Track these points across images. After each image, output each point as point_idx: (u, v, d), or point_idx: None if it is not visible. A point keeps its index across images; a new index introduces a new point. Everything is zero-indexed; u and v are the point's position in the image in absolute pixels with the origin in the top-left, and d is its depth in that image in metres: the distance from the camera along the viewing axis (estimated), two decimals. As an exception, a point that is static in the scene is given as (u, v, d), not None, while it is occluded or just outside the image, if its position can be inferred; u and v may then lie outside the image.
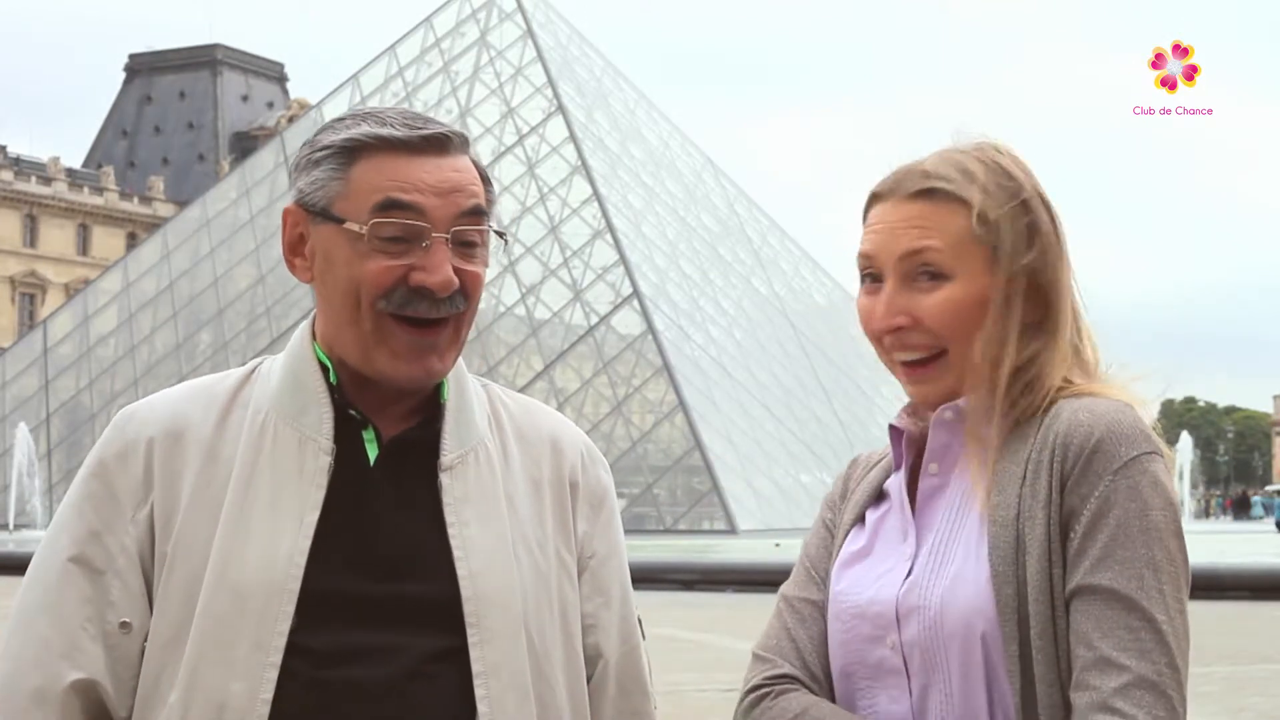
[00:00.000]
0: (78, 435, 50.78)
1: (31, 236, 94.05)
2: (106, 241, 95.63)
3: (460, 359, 2.09)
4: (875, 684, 1.88)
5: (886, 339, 1.93)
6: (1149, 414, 1.89)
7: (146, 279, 54.90)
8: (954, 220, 1.90)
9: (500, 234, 2.06)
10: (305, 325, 2.04)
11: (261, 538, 1.91)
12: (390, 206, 1.92)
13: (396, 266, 1.91)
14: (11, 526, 42.07)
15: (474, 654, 1.93)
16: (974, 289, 1.90)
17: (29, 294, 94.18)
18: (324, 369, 2.00)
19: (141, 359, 52.58)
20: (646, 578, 17.72)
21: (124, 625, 1.93)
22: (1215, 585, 18.91)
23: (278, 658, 1.88)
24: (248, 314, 51.58)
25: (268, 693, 1.87)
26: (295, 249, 2.00)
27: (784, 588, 2.05)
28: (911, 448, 1.99)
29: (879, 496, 2.01)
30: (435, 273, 1.91)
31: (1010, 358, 1.89)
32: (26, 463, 45.57)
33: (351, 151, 1.95)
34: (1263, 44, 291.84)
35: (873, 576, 1.92)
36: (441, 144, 1.96)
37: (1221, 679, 11.56)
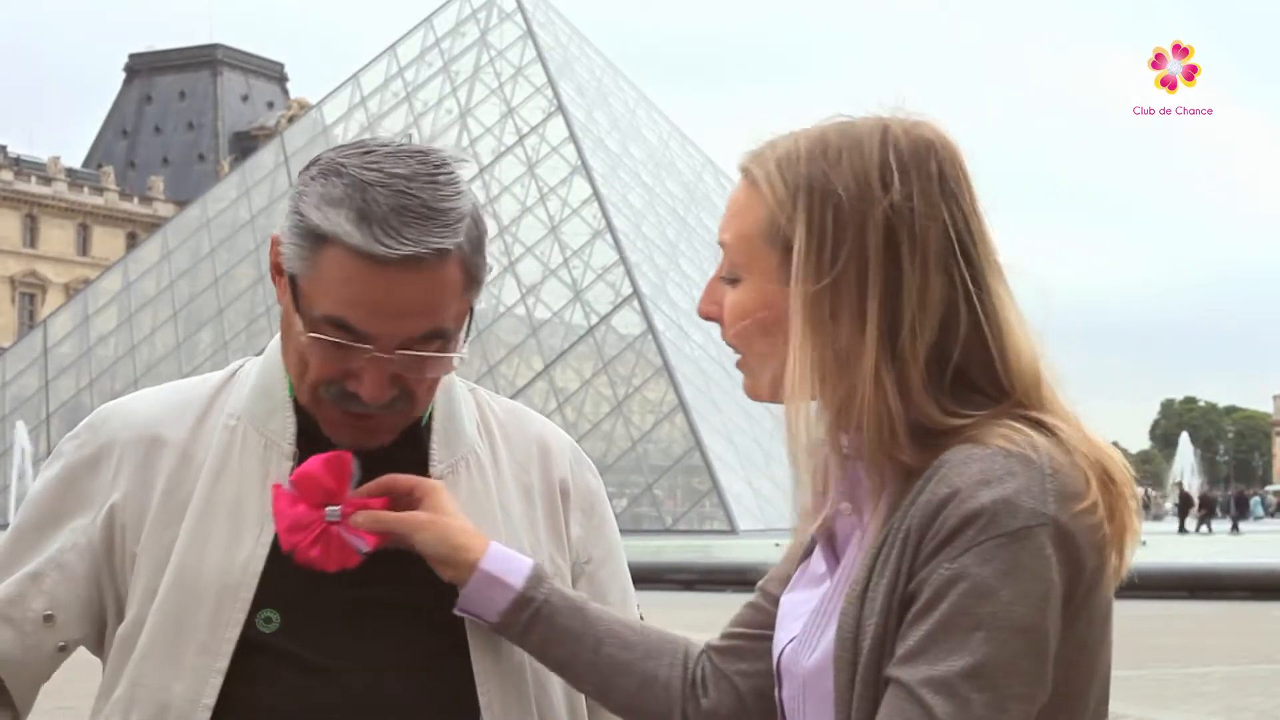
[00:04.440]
0: (78, 435, 50.73)
1: (31, 236, 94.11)
2: (106, 241, 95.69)
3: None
4: None
5: None
6: (1070, 457, 1.58)
7: (146, 279, 54.93)
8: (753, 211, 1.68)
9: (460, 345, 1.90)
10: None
11: (221, 541, 1.90)
12: (336, 323, 1.82)
13: (335, 369, 1.85)
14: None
15: (475, 655, 1.91)
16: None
17: (29, 294, 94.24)
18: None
19: (141, 359, 52.60)
20: (646, 578, 17.73)
21: (48, 618, 1.93)
22: (1215, 585, 18.93)
23: (224, 663, 1.86)
24: (248, 314, 51.59)
25: (210, 697, 1.85)
26: (278, 271, 1.92)
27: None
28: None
29: None
30: (367, 387, 1.84)
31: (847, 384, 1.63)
32: (27, 463, 45.54)
33: (323, 239, 1.81)
34: (1263, 44, 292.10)
35: (790, 617, 1.75)
36: (415, 263, 1.79)
37: (1221, 679, 11.56)
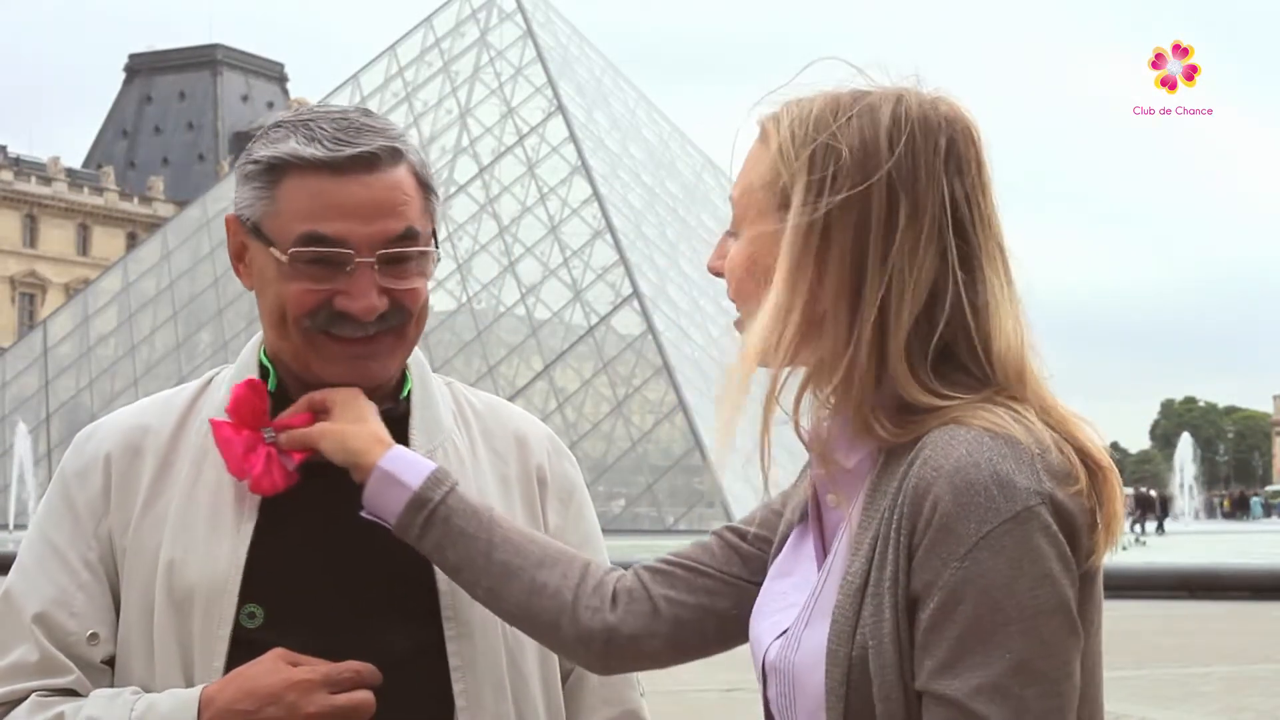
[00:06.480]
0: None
1: (31, 236, 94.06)
2: (106, 241, 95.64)
3: (424, 358, 2.09)
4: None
5: None
6: (1046, 436, 1.55)
7: (146, 279, 54.91)
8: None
9: (435, 245, 1.96)
10: (258, 334, 2.05)
11: (203, 541, 1.92)
12: (311, 239, 1.88)
13: (320, 291, 1.89)
14: (11, 526, 42.07)
15: (451, 648, 1.93)
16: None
17: (29, 294, 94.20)
18: (267, 374, 2.00)
19: (141, 359, 52.58)
20: (646, 578, 17.78)
21: (92, 637, 1.93)
22: (1215, 585, 18.92)
23: (220, 662, 1.88)
24: (248, 314, 51.49)
25: None
26: (239, 256, 2.00)
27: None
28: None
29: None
30: (359, 299, 1.88)
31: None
32: (27, 463, 45.52)
33: (277, 169, 1.90)
34: (1263, 44, 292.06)
35: (772, 609, 1.71)
36: (369, 162, 1.88)
37: (1221, 679, 11.57)
